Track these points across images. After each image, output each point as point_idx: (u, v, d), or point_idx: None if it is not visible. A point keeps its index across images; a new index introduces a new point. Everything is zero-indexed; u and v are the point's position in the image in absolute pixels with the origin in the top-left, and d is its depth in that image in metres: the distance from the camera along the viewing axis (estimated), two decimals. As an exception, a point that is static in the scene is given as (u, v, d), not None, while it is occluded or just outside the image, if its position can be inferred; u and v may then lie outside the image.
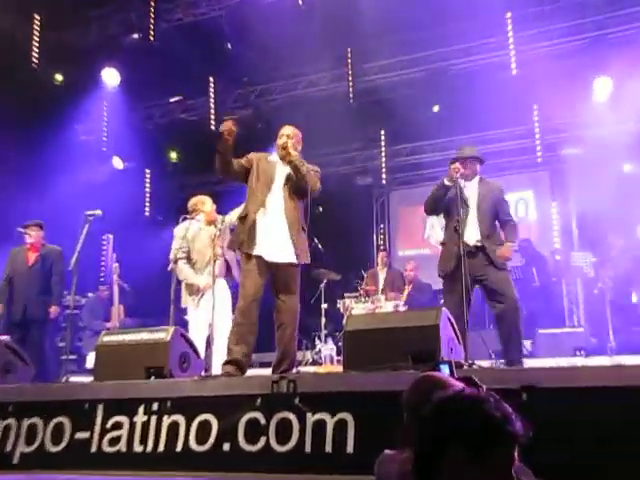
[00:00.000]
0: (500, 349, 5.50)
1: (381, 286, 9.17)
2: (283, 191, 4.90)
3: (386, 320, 4.68)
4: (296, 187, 4.90)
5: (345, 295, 8.83)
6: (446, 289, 5.45)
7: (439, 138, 11.34)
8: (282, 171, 4.96)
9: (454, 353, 4.17)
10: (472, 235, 5.34)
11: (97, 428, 4.30)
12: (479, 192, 5.48)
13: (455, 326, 4.39)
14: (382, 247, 11.72)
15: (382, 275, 9.36)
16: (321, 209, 11.33)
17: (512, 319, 5.15)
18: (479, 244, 5.30)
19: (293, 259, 4.81)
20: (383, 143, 11.74)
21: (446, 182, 5.36)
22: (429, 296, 9.36)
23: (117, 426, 4.27)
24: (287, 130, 5.06)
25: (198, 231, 6.09)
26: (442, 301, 8.43)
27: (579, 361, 7.10)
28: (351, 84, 10.53)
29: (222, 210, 6.13)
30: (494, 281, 5.24)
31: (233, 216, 5.63)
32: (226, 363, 4.69)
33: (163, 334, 4.81)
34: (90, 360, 7.16)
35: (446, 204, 5.45)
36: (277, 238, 4.80)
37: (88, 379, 5.24)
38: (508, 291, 5.19)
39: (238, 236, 4.92)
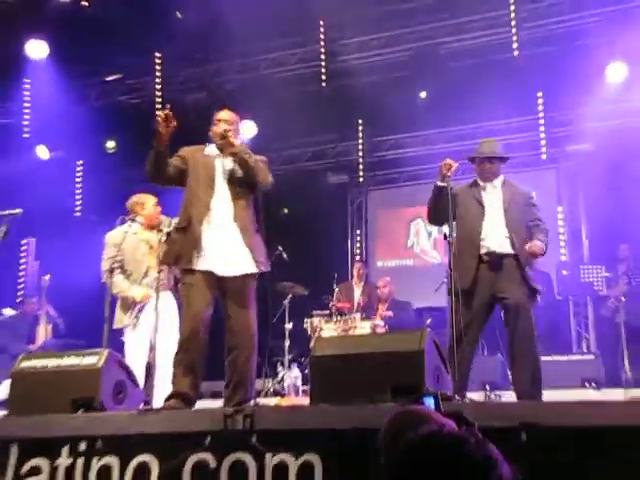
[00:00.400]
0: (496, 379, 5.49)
1: (356, 302, 9.19)
2: (229, 190, 4.85)
3: (361, 344, 4.66)
4: (243, 182, 4.86)
5: (313, 313, 8.84)
6: (457, 308, 5.12)
7: (426, 130, 11.44)
8: (223, 165, 4.90)
9: (441, 384, 4.17)
10: (496, 243, 5.28)
11: (9, 473, 4.19)
12: (504, 196, 5.45)
13: (442, 351, 4.38)
14: (358, 257, 11.76)
15: (358, 290, 9.39)
16: (286, 211, 11.33)
17: (530, 357, 5.11)
18: (511, 251, 5.26)
19: (250, 269, 4.78)
20: (360, 135, 11.81)
21: (438, 183, 5.31)
22: (411, 317, 9.40)
23: (35, 471, 4.16)
24: (225, 115, 5.00)
25: (135, 236, 6.03)
26: (427, 321, 8.52)
27: (589, 394, 7.17)
28: (323, 64, 10.56)
29: (169, 211, 6.06)
30: (517, 302, 5.15)
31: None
32: (170, 398, 4.62)
33: (94, 359, 4.72)
34: (4, 390, 7.04)
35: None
36: (229, 247, 4.75)
37: (1, 413, 5.15)
38: (525, 321, 5.11)
39: (173, 249, 4.83)
